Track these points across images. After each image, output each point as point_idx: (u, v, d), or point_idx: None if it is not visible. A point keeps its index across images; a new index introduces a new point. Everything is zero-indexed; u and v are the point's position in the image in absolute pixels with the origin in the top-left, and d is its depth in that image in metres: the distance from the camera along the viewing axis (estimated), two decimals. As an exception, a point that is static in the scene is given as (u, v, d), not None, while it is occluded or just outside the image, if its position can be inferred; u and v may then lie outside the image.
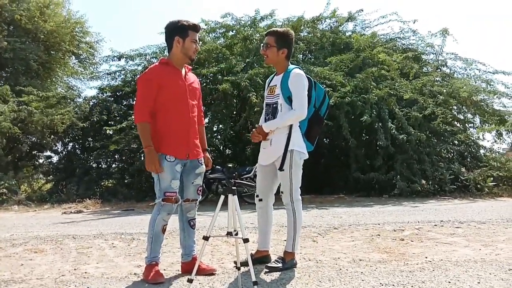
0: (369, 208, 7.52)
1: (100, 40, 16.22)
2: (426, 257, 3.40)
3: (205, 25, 11.37)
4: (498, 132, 10.75)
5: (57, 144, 11.69)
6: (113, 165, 11.23)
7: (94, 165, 11.01)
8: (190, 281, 2.63)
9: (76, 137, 11.59)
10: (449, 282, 2.73)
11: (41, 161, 12.20)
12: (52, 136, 10.99)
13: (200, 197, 3.18)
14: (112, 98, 11.53)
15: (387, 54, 10.66)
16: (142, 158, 9.66)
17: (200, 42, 10.26)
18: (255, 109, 9.13)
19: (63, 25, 14.72)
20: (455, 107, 11.08)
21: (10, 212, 8.22)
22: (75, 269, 3.27)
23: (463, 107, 11.21)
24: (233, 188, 2.65)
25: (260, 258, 3.24)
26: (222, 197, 2.68)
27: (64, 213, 7.83)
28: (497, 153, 11.20)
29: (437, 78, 11.45)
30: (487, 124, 10.90)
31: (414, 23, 11.98)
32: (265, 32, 3.38)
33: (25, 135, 10.73)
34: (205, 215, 5.91)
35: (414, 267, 3.09)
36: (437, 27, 31.27)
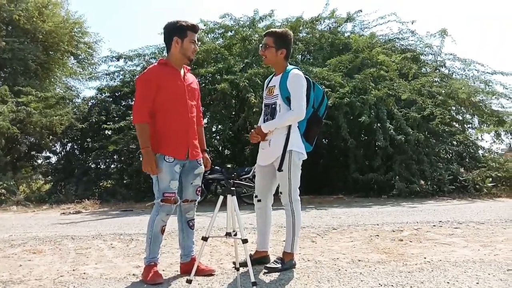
0: (368, 208, 7.53)
1: (98, 41, 16.20)
2: (425, 258, 3.41)
3: (204, 25, 11.37)
4: (497, 132, 10.76)
5: (56, 144, 11.68)
6: (112, 166, 11.21)
7: (92, 166, 10.99)
8: (189, 281, 2.63)
9: (75, 138, 11.57)
10: (448, 282, 2.73)
11: (39, 161, 12.19)
12: (50, 137, 10.98)
13: (199, 197, 3.17)
14: (111, 99, 11.52)
15: (386, 55, 10.67)
16: (141, 159, 9.64)
17: (199, 43, 10.26)
18: (254, 110, 9.12)
19: (62, 25, 14.68)
20: (453, 108, 11.11)
21: (8, 213, 8.20)
22: (73, 270, 3.27)
23: (462, 108, 11.24)
24: (232, 188, 2.65)
25: (259, 259, 3.24)
26: (221, 197, 2.67)
27: (63, 213, 7.82)
28: (495, 154, 11.22)
29: (436, 79, 11.48)
30: (485, 125, 10.93)
31: (412, 23, 12.01)
32: (264, 33, 3.39)
33: (24, 136, 10.72)
34: (204, 216, 5.91)
35: (413, 268, 3.10)
36: (436, 28, 31.34)
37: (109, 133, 10.72)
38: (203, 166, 3.15)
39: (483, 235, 4.40)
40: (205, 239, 2.63)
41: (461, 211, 6.75)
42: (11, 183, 9.64)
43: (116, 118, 10.57)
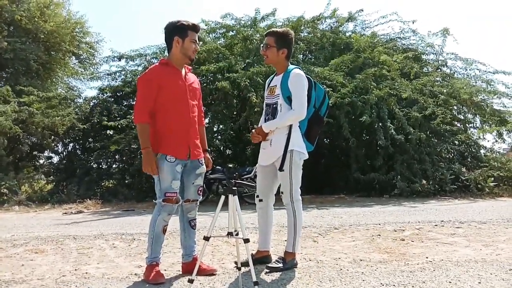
0: (370, 208, 7.52)
1: (100, 41, 16.24)
2: (426, 257, 3.40)
3: (205, 25, 11.38)
4: (499, 132, 10.74)
5: (58, 144, 11.71)
6: (114, 166, 11.24)
7: (94, 166, 11.01)
8: (190, 281, 2.63)
9: (77, 138, 11.60)
10: (450, 282, 2.73)
11: (41, 161, 12.22)
12: (52, 137, 11.00)
13: (201, 197, 3.18)
14: (113, 99, 11.54)
15: (387, 54, 10.65)
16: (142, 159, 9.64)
17: (201, 42, 10.26)
18: (255, 109, 9.12)
19: (63, 26, 14.71)
20: (455, 107, 11.09)
21: (10, 213, 8.22)
22: (76, 270, 3.28)
23: (464, 107, 11.22)
24: (233, 188, 2.65)
25: (261, 258, 3.24)
26: (223, 197, 2.68)
27: (65, 213, 7.83)
28: (497, 153, 11.19)
29: (438, 78, 11.46)
30: (487, 125, 10.91)
31: (413, 23, 11.99)
32: (265, 33, 3.39)
33: (26, 136, 10.74)
34: (205, 216, 5.91)
35: (415, 267, 3.09)
36: (437, 28, 31.27)
37: (111, 133, 10.74)
38: (204, 166, 3.15)
39: (485, 235, 4.39)
40: (206, 238, 2.64)
41: (463, 210, 6.74)
42: (13, 183, 9.66)
43: (118, 118, 10.58)
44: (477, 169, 10.18)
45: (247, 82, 9.41)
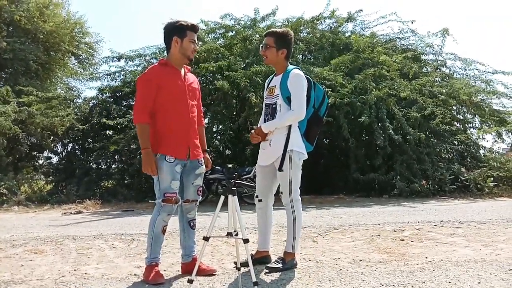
0: (369, 208, 7.52)
1: (99, 41, 16.22)
2: (426, 257, 3.40)
3: (205, 25, 11.38)
4: (498, 132, 10.75)
5: (57, 145, 11.70)
6: (113, 166, 11.22)
7: (94, 166, 11.00)
8: (190, 281, 2.63)
9: (76, 138, 11.59)
10: (450, 282, 2.73)
11: (41, 162, 12.21)
12: (52, 137, 10.99)
13: (200, 197, 3.18)
14: (112, 99, 11.54)
15: (386, 55, 10.66)
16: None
17: (200, 43, 10.26)
18: (255, 110, 9.12)
19: (63, 26, 14.70)
20: (454, 108, 11.10)
21: (10, 213, 8.21)
22: (75, 270, 3.27)
23: (463, 108, 11.23)
24: (233, 188, 2.65)
25: (260, 259, 3.24)
26: (222, 197, 2.68)
27: (64, 214, 7.83)
28: (497, 153, 11.20)
29: (437, 78, 11.47)
30: (486, 125, 10.92)
31: (412, 23, 12.00)
32: (264, 33, 3.39)
33: (25, 136, 10.74)
34: (205, 216, 5.91)
35: (415, 267, 3.09)
36: (437, 28, 31.28)
37: (110, 133, 10.73)
38: (204, 166, 3.15)
39: (484, 235, 4.39)
40: (206, 239, 2.64)
41: (463, 210, 6.74)
42: (13, 183, 9.65)
43: (117, 118, 10.59)
44: (477, 169, 10.19)
45: (246, 82, 9.41)
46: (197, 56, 9.54)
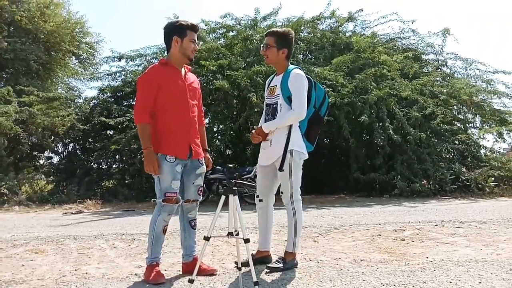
0: (370, 208, 7.52)
1: (100, 41, 16.23)
2: (427, 257, 3.40)
3: (205, 25, 11.38)
4: (499, 132, 10.74)
5: (58, 145, 11.71)
6: (114, 166, 11.24)
7: (94, 166, 11.01)
8: (191, 281, 2.63)
9: (77, 138, 11.60)
10: (450, 282, 2.73)
11: (41, 162, 12.22)
12: (52, 137, 11.00)
13: (201, 197, 3.17)
14: (113, 99, 11.55)
15: (387, 54, 10.65)
16: (142, 159, 9.65)
17: (201, 42, 10.26)
18: (255, 109, 9.12)
19: (63, 26, 14.71)
20: (455, 107, 11.09)
21: (11, 213, 8.22)
22: (76, 270, 3.28)
23: (464, 107, 11.22)
24: (233, 188, 2.65)
25: (261, 259, 3.24)
26: (223, 197, 2.67)
27: (65, 213, 7.83)
28: (498, 153, 11.19)
29: (438, 78, 11.46)
30: (487, 124, 10.90)
31: (413, 23, 11.99)
32: (265, 33, 3.39)
33: (26, 136, 10.75)
34: (205, 216, 5.91)
35: (415, 267, 3.09)
36: (437, 28, 31.28)
37: (111, 133, 10.74)
38: (204, 166, 3.15)
39: (485, 235, 4.39)
40: (207, 238, 2.64)
41: (463, 210, 6.73)
42: (14, 183, 9.66)
43: (117, 118, 10.60)
44: (478, 169, 10.17)
45: (247, 82, 9.41)
46: (198, 55, 9.54)
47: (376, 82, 10.24)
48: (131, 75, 11.12)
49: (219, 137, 10.70)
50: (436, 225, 5.11)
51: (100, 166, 11.14)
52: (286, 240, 3.25)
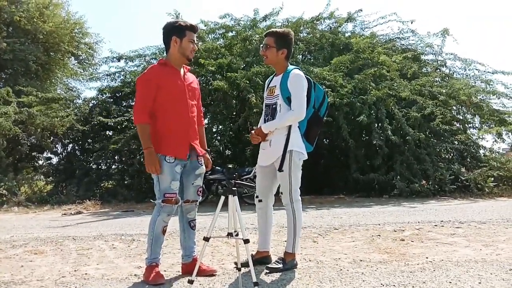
0: (369, 208, 7.52)
1: (99, 41, 16.23)
2: (426, 258, 3.40)
3: (204, 26, 11.38)
4: (498, 132, 10.75)
5: (57, 145, 11.69)
6: (113, 166, 11.22)
7: (94, 167, 10.99)
8: (190, 282, 2.63)
9: (76, 139, 11.58)
10: (450, 282, 2.73)
11: (41, 162, 12.20)
12: (52, 138, 10.98)
13: (200, 198, 3.17)
14: (112, 99, 11.53)
15: (386, 55, 10.66)
16: (142, 160, 9.66)
17: (200, 42, 10.26)
18: (255, 110, 9.12)
19: (62, 26, 14.71)
20: (454, 108, 11.10)
21: (10, 214, 8.21)
22: (75, 271, 3.27)
23: (463, 108, 11.23)
24: (233, 189, 2.65)
25: (261, 259, 3.24)
26: (222, 198, 2.67)
27: (64, 214, 7.82)
28: (497, 153, 11.20)
29: (437, 79, 11.47)
30: (486, 124, 10.91)
31: (412, 23, 12.00)
32: (265, 33, 3.38)
33: (26, 136, 10.73)
34: (205, 216, 5.91)
35: (415, 268, 3.09)
36: (437, 28, 31.35)
37: (110, 133, 10.72)
38: (204, 167, 3.15)
39: (485, 235, 4.39)
40: (206, 239, 2.63)
41: (463, 210, 6.74)
42: (13, 184, 9.64)
43: (117, 118, 10.59)
44: (477, 169, 10.18)
45: (246, 83, 9.40)
46: (197, 55, 9.54)
47: (375, 83, 10.25)
48: (130, 75, 11.10)
49: (219, 137, 10.69)
50: (436, 225, 5.11)
51: (99, 167, 11.12)
52: (285, 241, 3.25)
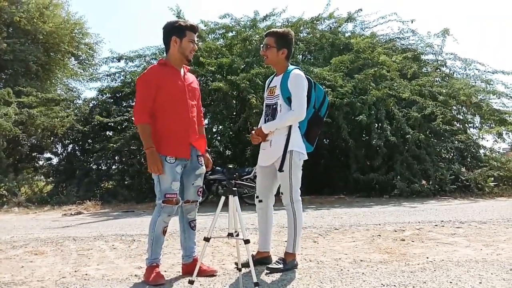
0: (370, 208, 7.52)
1: (99, 41, 16.26)
2: (427, 258, 3.40)
3: (204, 26, 11.37)
4: (498, 132, 10.74)
5: (57, 146, 11.69)
6: (113, 167, 11.21)
7: (94, 167, 10.97)
8: (191, 282, 2.63)
9: (76, 139, 11.58)
10: (451, 282, 2.73)
11: (41, 163, 12.20)
12: (52, 138, 10.98)
13: (201, 198, 3.17)
14: (112, 100, 11.53)
15: (386, 55, 10.66)
16: (142, 160, 9.65)
17: (200, 42, 10.25)
18: (255, 110, 9.12)
19: (62, 26, 14.72)
20: (454, 107, 11.09)
21: (10, 214, 8.21)
22: (75, 271, 3.27)
23: (463, 108, 11.23)
24: (233, 189, 2.64)
25: (261, 259, 3.24)
26: (223, 198, 2.67)
27: (64, 215, 7.82)
28: (497, 153, 11.20)
29: (437, 79, 11.47)
30: (486, 124, 10.91)
31: (412, 22, 11.99)
32: (265, 33, 3.38)
33: (26, 137, 10.73)
34: (205, 216, 5.91)
35: (415, 268, 3.09)
36: (437, 28, 31.35)
37: (110, 134, 10.72)
38: (204, 167, 3.14)
39: (485, 235, 4.39)
40: (207, 239, 2.63)
41: (463, 210, 6.73)
42: (13, 184, 9.64)
43: (117, 118, 10.59)
44: (477, 169, 10.18)
45: (246, 84, 9.40)
46: (198, 54, 9.53)
47: (375, 83, 10.25)
48: (130, 75, 11.10)
49: (219, 137, 10.69)
50: (436, 225, 5.11)
51: (100, 167, 11.11)
52: (286, 241, 3.25)
